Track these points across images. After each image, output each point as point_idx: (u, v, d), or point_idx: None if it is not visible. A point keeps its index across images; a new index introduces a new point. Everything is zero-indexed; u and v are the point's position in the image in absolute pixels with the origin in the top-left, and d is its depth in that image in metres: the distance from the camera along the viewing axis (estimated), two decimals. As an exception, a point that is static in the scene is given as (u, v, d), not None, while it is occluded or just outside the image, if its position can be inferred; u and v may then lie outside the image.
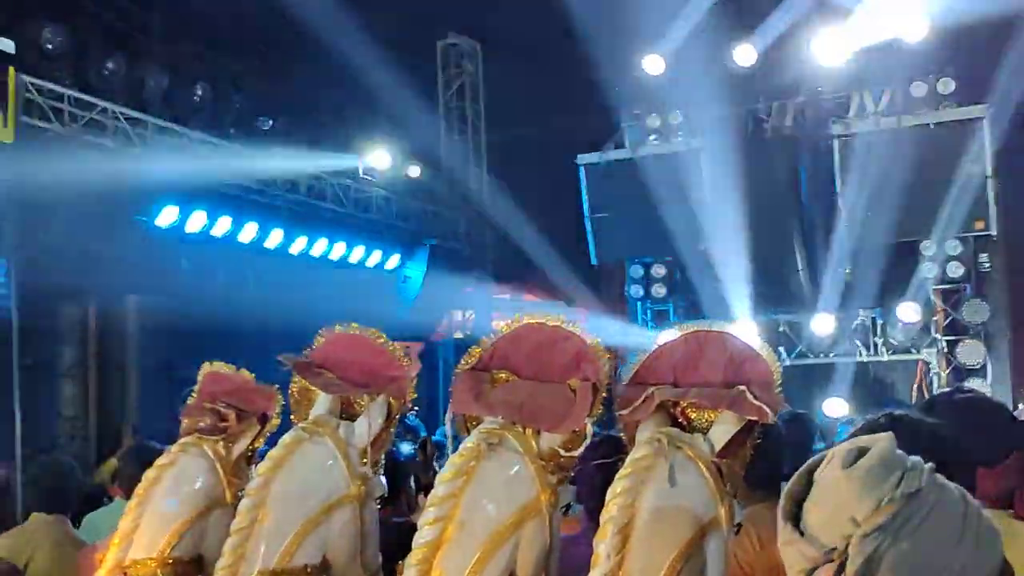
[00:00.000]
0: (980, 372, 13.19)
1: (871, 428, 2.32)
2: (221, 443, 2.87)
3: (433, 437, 5.77)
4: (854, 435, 2.36)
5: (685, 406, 2.23)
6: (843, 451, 1.45)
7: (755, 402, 2.08)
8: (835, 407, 12.48)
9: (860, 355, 14.28)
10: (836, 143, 13.80)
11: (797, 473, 1.50)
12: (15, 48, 9.56)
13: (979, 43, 13.28)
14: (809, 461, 1.51)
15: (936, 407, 2.57)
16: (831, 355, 14.31)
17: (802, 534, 1.44)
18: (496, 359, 2.40)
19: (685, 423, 2.24)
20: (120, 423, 10.43)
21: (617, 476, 2.06)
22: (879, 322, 14.13)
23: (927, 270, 13.56)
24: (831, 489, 1.41)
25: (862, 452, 1.43)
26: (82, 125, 10.95)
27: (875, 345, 14.24)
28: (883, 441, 1.44)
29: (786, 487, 1.51)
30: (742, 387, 2.12)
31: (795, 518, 1.46)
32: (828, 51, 13.81)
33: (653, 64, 14.92)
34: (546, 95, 15.64)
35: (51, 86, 10.67)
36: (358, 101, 15.48)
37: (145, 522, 2.77)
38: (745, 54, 14.36)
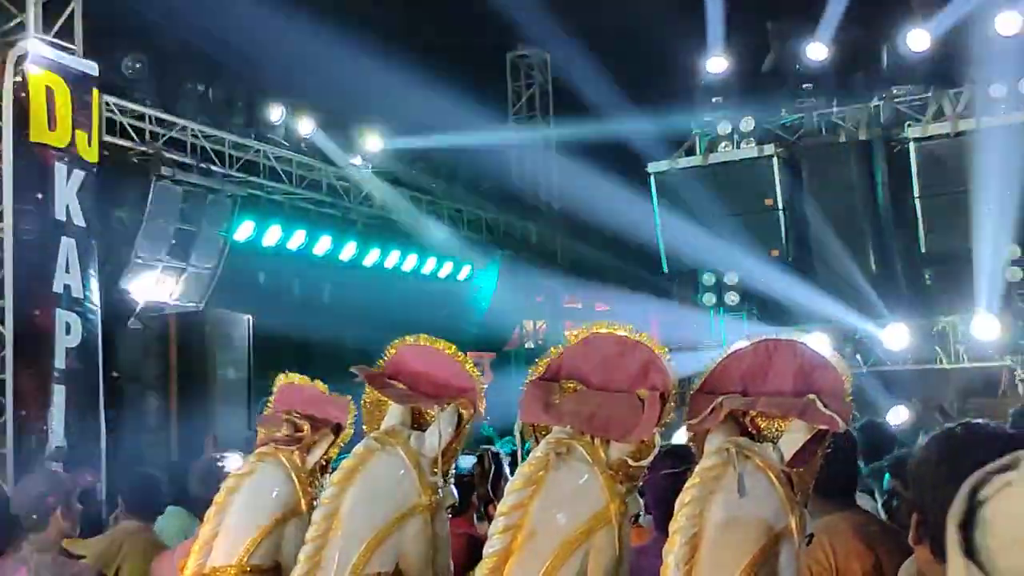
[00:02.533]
0: (1067, 379, 12.80)
1: (949, 438, 2.27)
2: (296, 453, 2.92)
3: (504, 447, 5.79)
4: (929, 446, 2.32)
5: (755, 415, 2.21)
6: None
7: (826, 411, 2.06)
8: (897, 415, 12.17)
9: (940, 362, 13.95)
10: (912, 146, 13.51)
11: (960, 498, 1.35)
12: (98, 70, 9.85)
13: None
14: (972, 480, 1.36)
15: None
16: (909, 363, 14.01)
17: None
18: (564, 369, 2.41)
19: (755, 433, 2.21)
20: (201, 434, 10.65)
21: (686, 486, 2.05)
22: (960, 328, 13.78)
23: (1012, 275, 13.19)
24: None
25: None
26: (163, 143, 11.24)
27: (956, 352, 13.89)
28: None
29: (952, 516, 1.36)
30: (812, 396, 2.10)
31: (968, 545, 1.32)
32: (908, 47, 13.56)
33: (721, 67, 14.81)
34: (616, 104, 15.61)
35: (133, 106, 10.99)
36: (429, 113, 15.62)
37: (224, 530, 2.83)
38: (817, 54, 14.18)
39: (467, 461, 5.04)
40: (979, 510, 1.32)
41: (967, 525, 1.32)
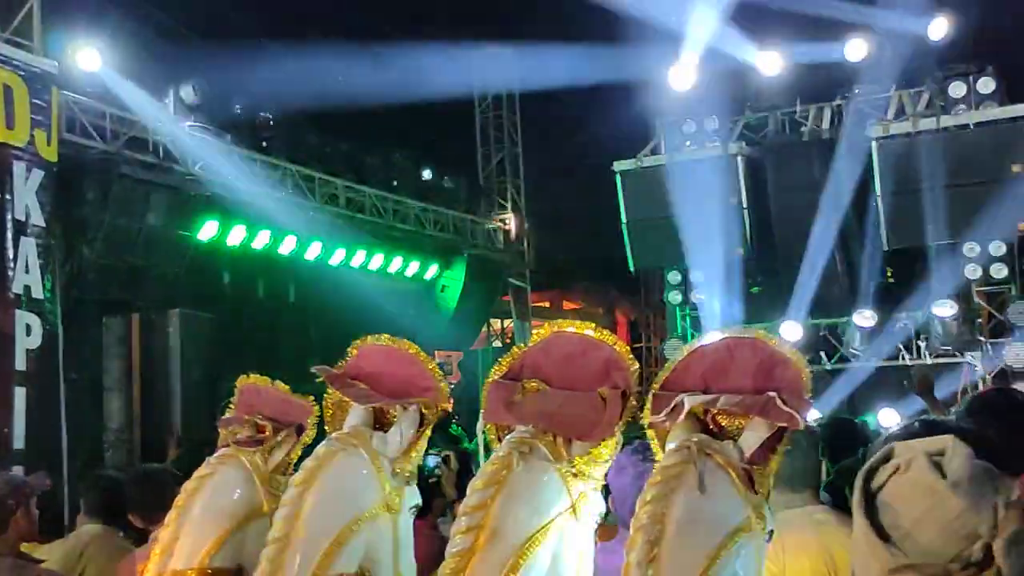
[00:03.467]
0: (1027, 374, 12.97)
1: (907, 433, 2.30)
2: (258, 454, 2.91)
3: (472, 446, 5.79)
4: (888, 440, 2.35)
5: (716, 413, 2.22)
6: (922, 460, 1.47)
7: (785, 408, 2.07)
8: (888, 417, 12.25)
9: (902, 359, 14.12)
10: (874, 145, 13.65)
11: (858, 488, 1.53)
12: (57, 68, 9.72)
13: (1019, 40, 13.12)
14: (862, 472, 1.53)
15: (976, 409, 2.55)
16: (872, 359, 14.17)
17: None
18: (527, 368, 2.41)
19: (716, 430, 2.22)
20: (164, 435, 10.56)
21: (647, 484, 2.06)
22: (921, 325, 13.95)
23: (971, 271, 13.38)
24: (934, 504, 1.43)
25: (936, 461, 1.46)
26: (124, 142, 11.12)
27: (918, 348, 14.07)
28: (962, 450, 1.47)
29: (855, 503, 1.53)
30: (772, 393, 2.11)
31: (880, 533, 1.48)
32: (860, 52, 13.74)
33: (687, 69, 14.90)
34: (583, 103, 15.67)
35: (93, 104, 10.86)
36: (397, 111, 15.60)
37: (185, 533, 2.81)
38: (772, 59, 14.32)
39: (430, 461, 5.04)
40: (876, 497, 1.48)
41: (871, 512, 1.48)
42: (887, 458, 1.52)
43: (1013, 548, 1.38)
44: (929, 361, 14.00)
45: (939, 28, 13.52)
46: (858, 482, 1.53)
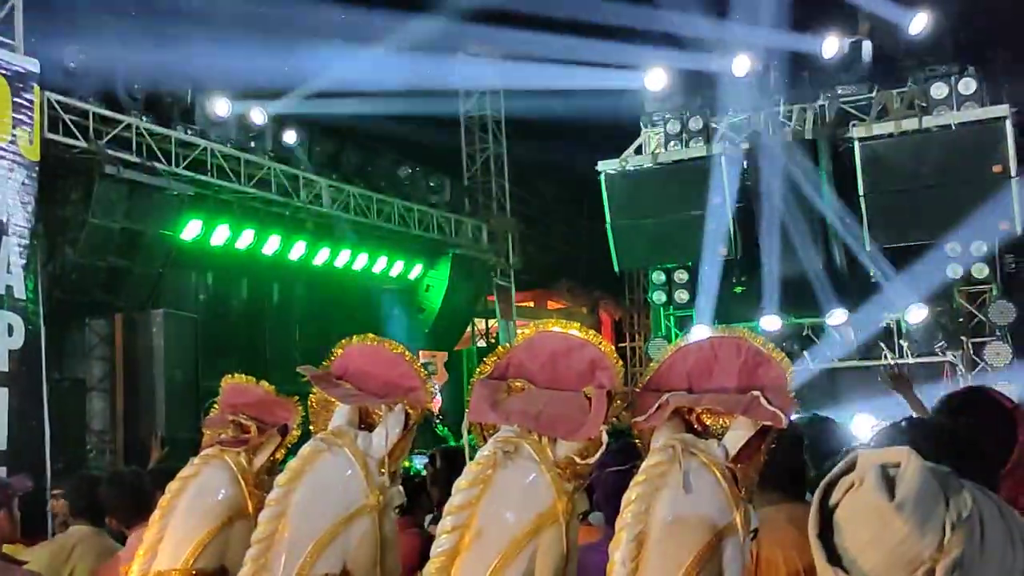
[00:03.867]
0: (1007, 373, 13.06)
1: (892, 432, 2.31)
2: (243, 455, 2.90)
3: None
4: (875, 440, 2.36)
5: (700, 412, 2.23)
6: (872, 477, 1.37)
7: (769, 407, 2.08)
8: (863, 423, 12.26)
9: (885, 358, 14.19)
10: (857, 145, 13.72)
11: (812, 508, 1.44)
12: (40, 67, 9.67)
13: (1000, 42, 13.21)
14: (822, 485, 1.45)
15: (951, 408, 2.56)
16: (855, 358, 14.25)
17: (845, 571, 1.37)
18: (512, 368, 2.41)
19: (700, 429, 2.24)
20: (147, 436, 10.52)
21: (632, 483, 2.07)
22: (903, 325, 14.03)
23: (952, 271, 13.46)
24: (880, 527, 1.33)
25: (889, 475, 1.36)
26: (107, 141, 11.07)
27: (900, 347, 14.15)
28: (915, 465, 1.36)
29: (811, 526, 1.43)
30: (756, 392, 2.12)
31: (831, 552, 1.38)
32: (841, 53, 13.83)
33: (669, 69, 14.94)
34: (567, 103, 15.67)
35: (76, 103, 10.80)
36: (382, 111, 15.58)
37: (169, 533, 2.80)
38: (743, 62, 14.39)
39: (417, 462, 5.05)
40: (833, 515, 1.40)
41: (824, 532, 1.39)
42: (849, 469, 1.43)
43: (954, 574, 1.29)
44: (911, 360, 14.08)
45: (919, 24, 13.57)
46: (816, 496, 1.44)
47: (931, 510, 1.32)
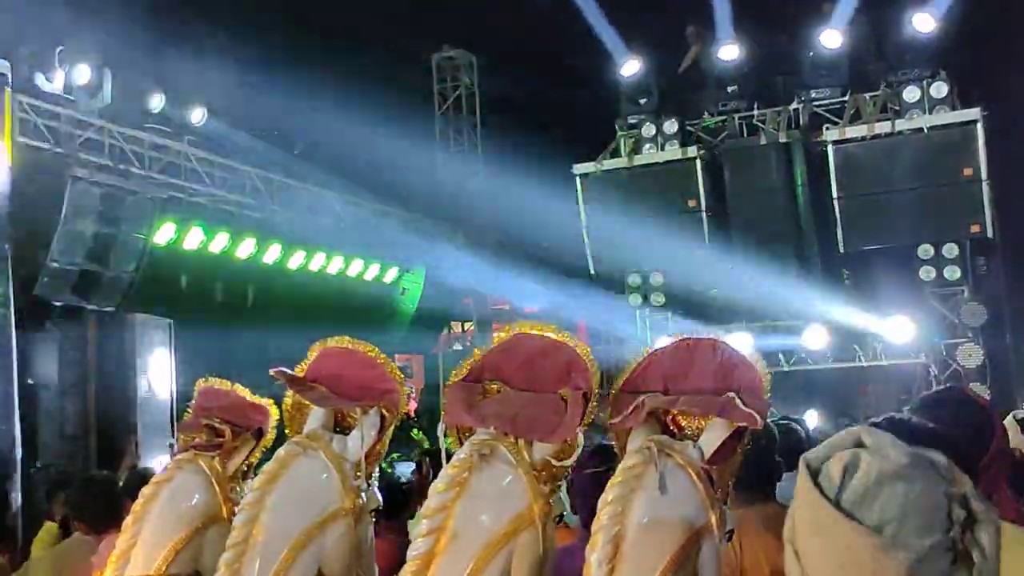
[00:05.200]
0: (980, 374, 13.18)
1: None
2: (217, 459, 2.88)
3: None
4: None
5: (676, 414, 2.24)
6: (830, 487, 1.30)
7: (744, 409, 2.09)
8: (810, 419, 12.34)
9: (859, 360, 14.29)
10: (830, 148, 13.81)
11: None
12: (10, 69, 9.58)
13: (971, 46, 13.32)
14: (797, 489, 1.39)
15: (927, 407, 2.58)
16: (830, 361, 14.34)
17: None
18: (487, 370, 2.41)
19: (676, 431, 2.24)
20: (122, 441, 10.43)
21: (608, 485, 2.07)
22: (877, 327, 14.12)
23: (925, 274, 13.57)
24: (848, 549, 1.25)
25: (843, 480, 1.30)
26: (79, 144, 10.97)
27: (874, 350, 14.24)
28: (901, 488, 1.28)
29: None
30: (731, 394, 2.13)
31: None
32: (820, 55, 13.91)
33: (647, 71, 14.98)
34: (541, 106, 15.69)
35: (48, 107, 10.70)
36: (356, 112, 15.52)
37: (142, 539, 2.78)
38: (736, 59, 14.45)
39: (404, 469, 5.04)
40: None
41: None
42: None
43: None
44: (885, 363, 14.19)
45: (900, 31, 13.66)
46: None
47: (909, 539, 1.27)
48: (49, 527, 6.40)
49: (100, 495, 4.67)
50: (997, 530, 1.29)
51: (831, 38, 13.82)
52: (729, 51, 14.35)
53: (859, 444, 1.37)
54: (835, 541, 1.26)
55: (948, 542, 1.25)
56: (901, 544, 1.23)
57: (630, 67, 14.87)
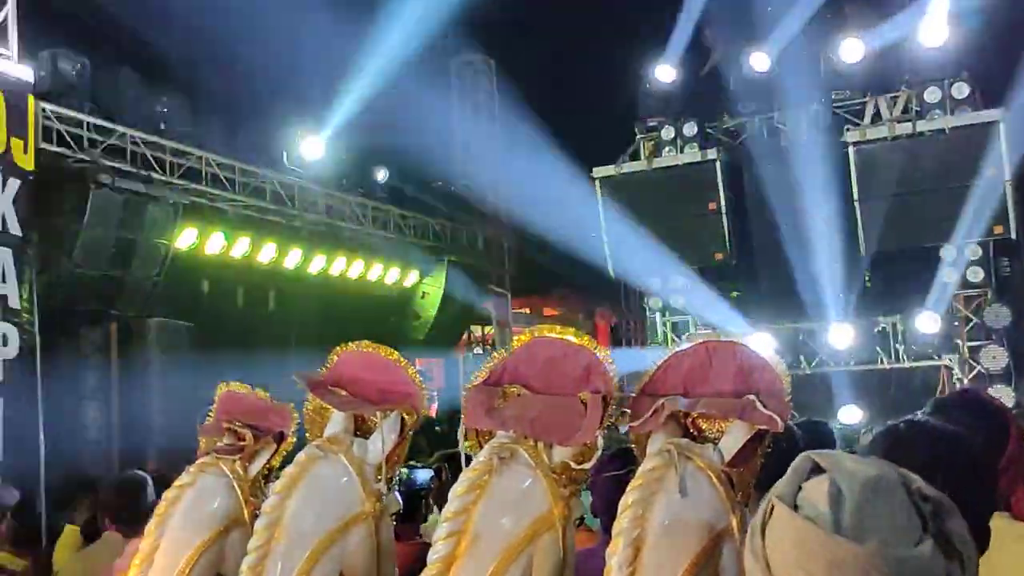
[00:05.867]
0: (1004, 376, 13.09)
1: (892, 434, 2.30)
2: (238, 462, 2.89)
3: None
4: (875, 442, 2.36)
5: (696, 416, 2.23)
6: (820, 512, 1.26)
7: (765, 411, 2.08)
8: (850, 414, 12.37)
9: (881, 362, 14.20)
10: (851, 150, 13.75)
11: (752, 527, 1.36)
12: (33, 76, 9.66)
13: (993, 46, 13.24)
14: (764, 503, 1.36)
15: (942, 410, 2.56)
16: (851, 363, 14.26)
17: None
18: (507, 373, 2.41)
19: (696, 433, 2.24)
20: (143, 445, 10.50)
21: (628, 488, 2.06)
22: (900, 329, 14.04)
23: (947, 275, 13.49)
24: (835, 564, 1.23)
25: (833, 508, 1.26)
26: (102, 150, 11.06)
27: (896, 352, 14.16)
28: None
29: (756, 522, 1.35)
30: (752, 396, 2.12)
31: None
32: (841, 58, 13.85)
33: (665, 74, 14.97)
34: (561, 109, 15.70)
35: (70, 113, 10.79)
36: (377, 119, 15.58)
37: (165, 542, 2.79)
38: (759, 62, 14.40)
39: (422, 475, 5.04)
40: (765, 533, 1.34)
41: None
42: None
43: None
44: (907, 365, 14.11)
45: (924, 35, 13.61)
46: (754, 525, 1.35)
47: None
48: (71, 531, 6.45)
49: (133, 496, 4.64)
50: (959, 512, 1.29)
51: (852, 49, 13.77)
52: (760, 60, 14.30)
53: (816, 468, 1.34)
54: (839, 568, 1.23)
55: (932, 538, 1.25)
56: (905, 556, 1.22)
57: (659, 72, 14.86)
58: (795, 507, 1.30)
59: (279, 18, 12.95)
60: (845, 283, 13.99)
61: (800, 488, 1.32)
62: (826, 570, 1.23)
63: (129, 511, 4.54)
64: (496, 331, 19.11)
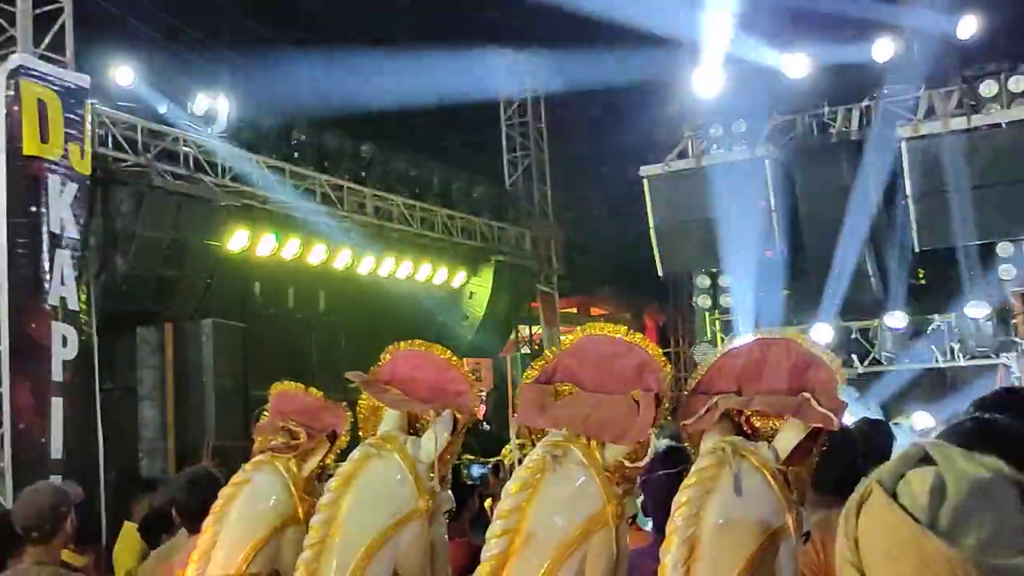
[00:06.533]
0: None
1: (958, 432, 2.27)
2: (293, 461, 2.93)
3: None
4: (939, 438, 2.32)
5: (750, 414, 2.22)
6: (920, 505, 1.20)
7: (820, 409, 2.07)
8: (924, 420, 12.03)
9: (936, 361, 13.98)
10: (904, 145, 13.54)
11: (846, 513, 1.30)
12: (89, 82, 9.85)
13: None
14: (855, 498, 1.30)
15: (989, 408, 2.51)
16: (906, 361, 14.05)
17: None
18: (559, 372, 2.41)
19: (750, 432, 2.22)
20: (198, 443, 10.66)
21: (682, 486, 2.06)
22: (955, 327, 13.80)
23: (1004, 272, 13.24)
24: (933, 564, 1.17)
25: (932, 503, 1.20)
26: (155, 154, 11.24)
27: (952, 350, 13.92)
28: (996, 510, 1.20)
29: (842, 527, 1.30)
30: (806, 394, 2.10)
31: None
32: (888, 52, 13.68)
33: (713, 72, 14.87)
34: (609, 108, 15.67)
35: (124, 117, 10.98)
36: (423, 119, 15.66)
37: (222, 539, 2.83)
38: (801, 61, 14.27)
39: (476, 470, 5.05)
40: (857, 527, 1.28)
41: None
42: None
43: None
44: (963, 363, 13.87)
45: (968, 27, 13.43)
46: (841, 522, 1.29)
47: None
48: (130, 528, 6.58)
49: (204, 492, 4.60)
50: None
51: (883, 48, 13.61)
52: (799, 63, 14.17)
53: (925, 458, 1.28)
54: (928, 566, 1.20)
55: None
56: (1004, 565, 1.17)
57: (711, 71, 14.77)
58: (894, 495, 1.24)
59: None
60: (897, 281, 13.80)
61: (903, 476, 1.26)
62: (915, 567, 1.18)
63: (200, 507, 4.52)
64: (544, 331, 19.11)
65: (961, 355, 13.89)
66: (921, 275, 14.32)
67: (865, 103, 14.24)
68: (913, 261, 14.06)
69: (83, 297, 9.37)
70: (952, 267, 13.59)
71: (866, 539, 1.24)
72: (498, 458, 5.21)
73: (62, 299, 9.13)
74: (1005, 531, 1.19)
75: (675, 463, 2.77)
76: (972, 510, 1.20)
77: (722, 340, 14.63)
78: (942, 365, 13.98)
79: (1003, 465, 1.27)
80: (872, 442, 3.91)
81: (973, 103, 13.48)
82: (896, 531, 1.21)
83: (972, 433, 2.19)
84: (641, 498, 3.08)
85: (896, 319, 13.63)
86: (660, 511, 2.79)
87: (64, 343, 9.07)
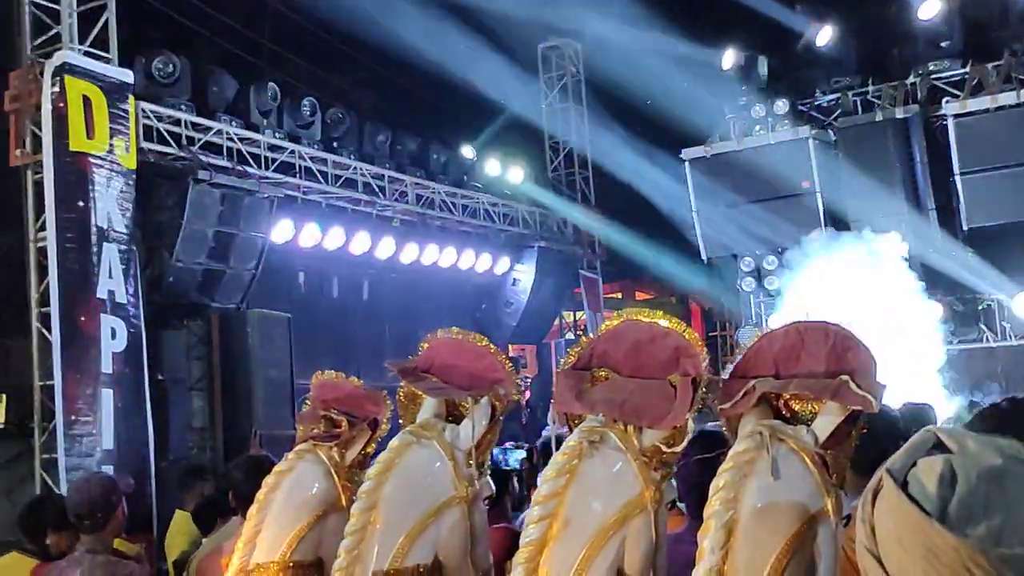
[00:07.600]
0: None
1: (995, 414, 2.24)
2: (335, 449, 2.96)
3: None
4: (975, 422, 2.29)
5: (788, 398, 2.21)
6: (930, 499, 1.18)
7: (859, 392, 2.05)
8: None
9: (987, 340, 13.76)
10: (951, 122, 13.30)
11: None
12: (133, 78, 9.97)
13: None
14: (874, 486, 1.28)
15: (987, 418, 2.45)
16: (954, 341, 13.84)
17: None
18: (596, 357, 2.41)
19: (789, 415, 2.21)
20: (245, 433, 10.79)
21: (719, 470, 2.05)
22: (1005, 306, 13.57)
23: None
24: (951, 564, 1.15)
25: (941, 492, 1.19)
26: (199, 147, 11.36)
27: (1003, 329, 13.70)
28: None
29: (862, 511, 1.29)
30: (845, 376, 2.08)
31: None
32: (936, 26, 13.43)
33: (754, 53, 14.72)
34: (649, 91, 15.56)
35: (169, 112, 11.11)
36: (464, 107, 15.67)
37: (266, 527, 2.88)
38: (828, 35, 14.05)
39: (514, 457, 5.06)
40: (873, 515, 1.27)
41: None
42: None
43: None
44: (1013, 343, 13.64)
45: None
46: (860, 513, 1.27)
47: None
48: (182, 516, 6.69)
49: (261, 477, 4.57)
50: None
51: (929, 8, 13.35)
52: (824, 33, 13.97)
53: (938, 446, 1.26)
54: (935, 556, 1.18)
55: None
56: (1015, 555, 1.15)
57: (748, 50, 14.63)
58: (905, 483, 1.23)
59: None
60: (947, 260, 13.58)
61: (915, 463, 1.24)
62: (922, 556, 1.17)
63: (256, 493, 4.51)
64: (588, 316, 19.07)
65: (1011, 335, 13.68)
66: (970, 255, 14.08)
67: (910, 80, 14.00)
68: (962, 240, 13.83)
69: (131, 290, 9.51)
70: (1002, 246, 13.34)
71: (881, 526, 1.23)
72: (531, 445, 5.24)
73: (110, 292, 9.27)
74: (1017, 519, 1.16)
75: (711, 447, 2.76)
76: (983, 498, 1.17)
77: (767, 323, 14.51)
78: (992, 344, 13.77)
79: (1022, 448, 1.25)
80: (916, 427, 3.86)
81: (1022, 78, 13.20)
82: (904, 520, 1.19)
83: (1006, 415, 2.15)
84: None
85: (940, 305, 13.40)
86: (695, 496, 2.78)
87: (113, 335, 9.22)
